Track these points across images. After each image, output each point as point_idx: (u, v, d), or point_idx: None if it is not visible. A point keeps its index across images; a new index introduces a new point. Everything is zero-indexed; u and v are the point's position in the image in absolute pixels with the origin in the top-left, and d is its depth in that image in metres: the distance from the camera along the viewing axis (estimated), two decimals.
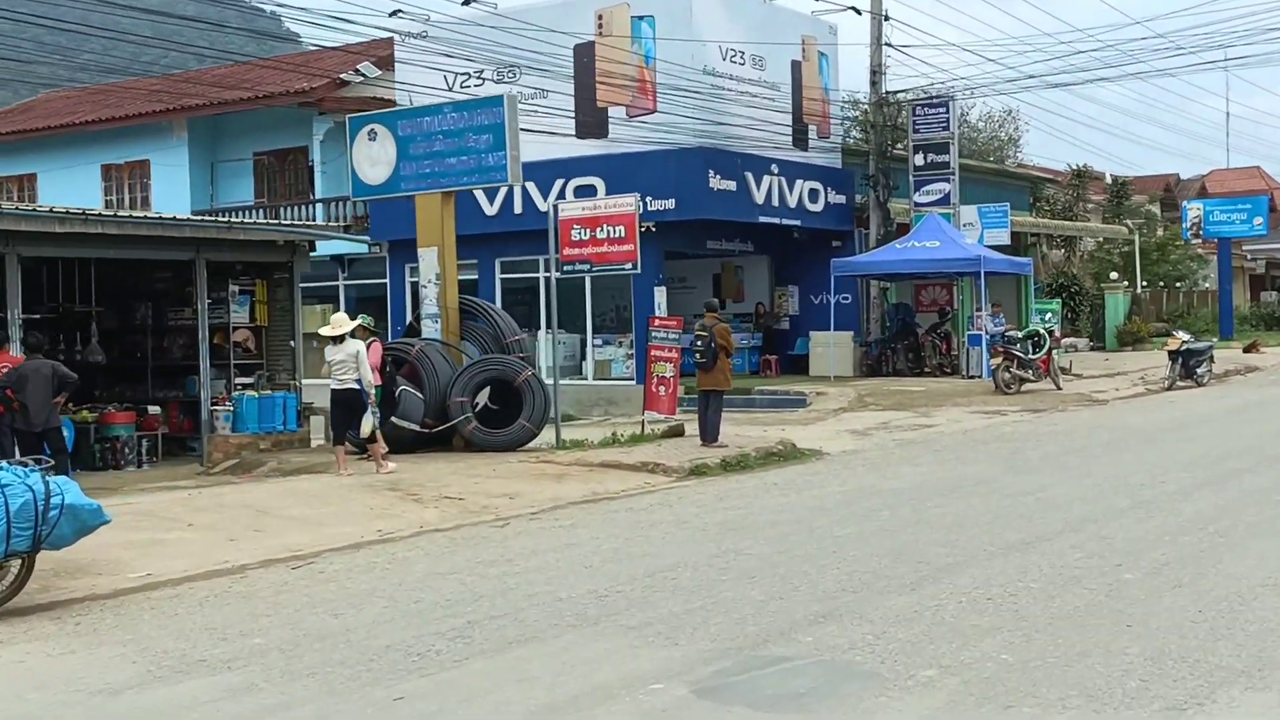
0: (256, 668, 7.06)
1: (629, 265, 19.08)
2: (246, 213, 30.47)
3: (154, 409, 18.68)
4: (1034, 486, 13.12)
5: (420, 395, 17.30)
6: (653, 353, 18.90)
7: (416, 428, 17.12)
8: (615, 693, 6.24)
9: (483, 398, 18.13)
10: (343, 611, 8.48)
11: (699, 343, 17.49)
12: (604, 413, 25.87)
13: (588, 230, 18.90)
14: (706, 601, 8.20)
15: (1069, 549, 9.63)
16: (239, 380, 18.99)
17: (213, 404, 18.21)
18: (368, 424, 15.30)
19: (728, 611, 7.90)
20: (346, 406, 15.37)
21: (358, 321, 16.53)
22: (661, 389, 18.78)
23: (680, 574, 9.17)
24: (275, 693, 6.54)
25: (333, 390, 15.46)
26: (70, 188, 31.37)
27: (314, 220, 30.23)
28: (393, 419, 16.84)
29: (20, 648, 7.90)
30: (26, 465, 9.34)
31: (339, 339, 15.41)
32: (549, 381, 18.94)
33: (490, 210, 27.80)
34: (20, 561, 9.14)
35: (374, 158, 18.44)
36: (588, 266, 19.26)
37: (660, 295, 26.76)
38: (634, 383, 26.56)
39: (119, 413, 18.12)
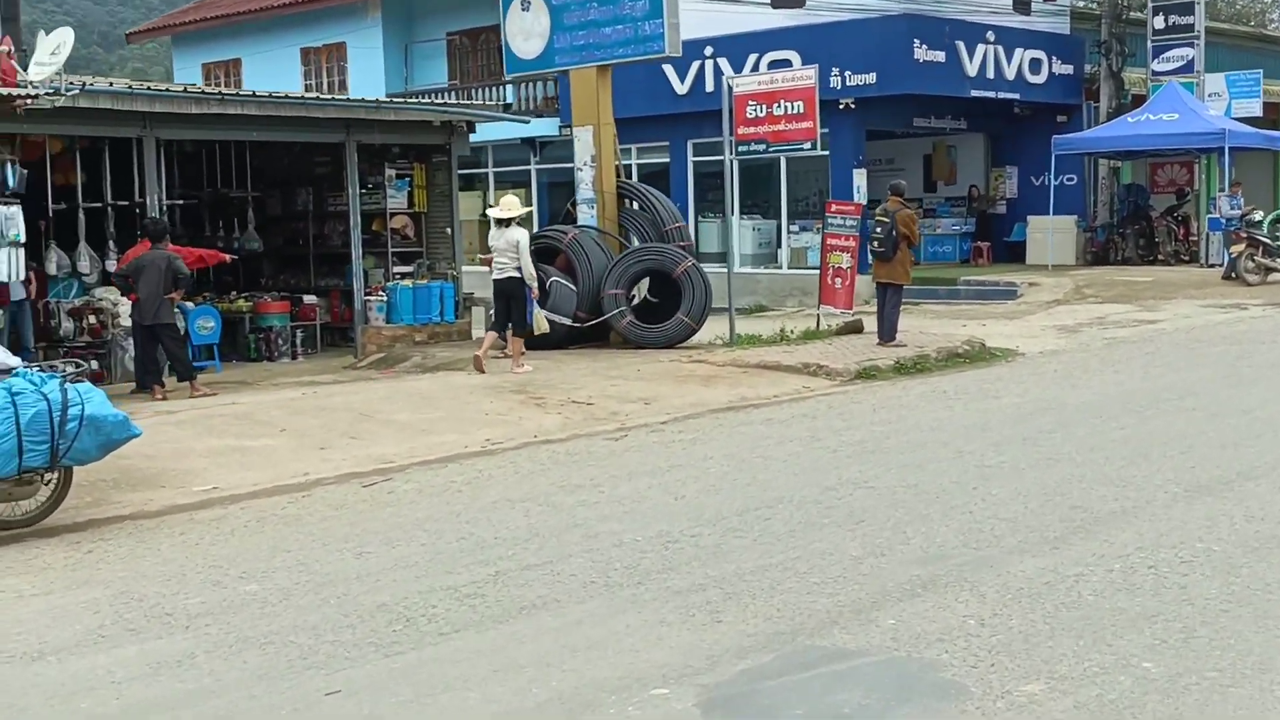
0: (217, 629, 5.82)
1: (808, 144, 17.14)
2: (439, 95, 29.57)
3: (310, 298, 17.88)
4: (1253, 403, 10.88)
5: (572, 286, 15.94)
6: (828, 241, 17.02)
7: (568, 321, 15.78)
8: (600, 699, 4.73)
9: (642, 290, 16.66)
10: (372, 549, 7.21)
11: (879, 229, 15.55)
12: (798, 303, 24.06)
13: (764, 106, 17.05)
14: (788, 556, 6.57)
15: (1276, 494, 7.59)
16: (397, 269, 18.03)
17: (367, 294, 17.29)
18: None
19: (807, 573, 6.25)
20: (506, 297, 14.22)
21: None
22: (837, 281, 16.93)
23: (776, 513, 7.54)
24: (205, 670, 5.27)
25: (494, 280, 14.31)
26: (272, 72, 30.95)
27: (505, 102, 29.10)
28: (542, 313, 15.54)
29: (2, 582, 6.91)
30: (55, 369, 8.36)
31: (505, 223, 14.22)
32: (723, 270, 17.34)
33: (681, 89, 26.02)
34: (55, 476, 8.21)
35: (527, 30, 16.93)
36: (764, 146, 17.41)
37: (860, 178, 24.64)
38: None
39: (274, 302, 17.37)
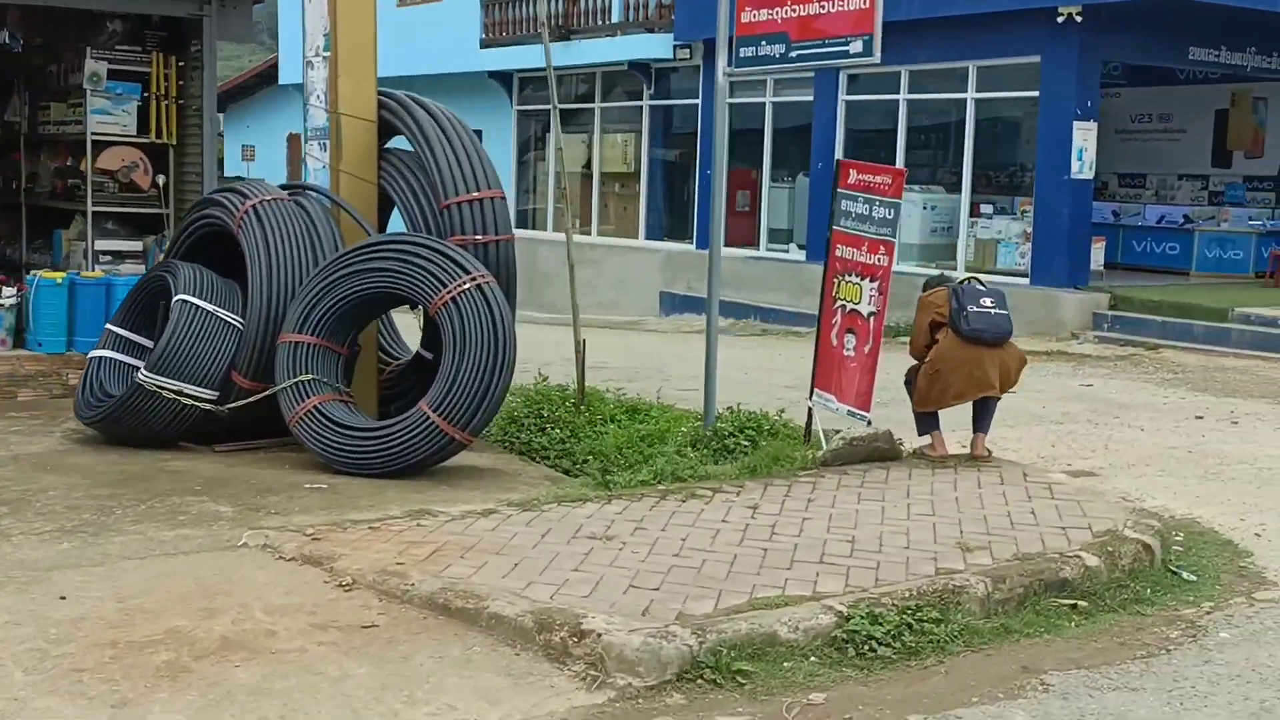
0: None
1: (857, 44, 7.37)
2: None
3: None
4: None
5: (232, 317, 6.88)
6: (836, 250, 7.20)
7: (204, 394, 6.75)
8: None
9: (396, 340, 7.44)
10: None
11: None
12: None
13: None
14: None
15: None
16: (112, 246, 9.48)
17: None
18: None
19: None
20: None
21: None
22: (848, 341, 7.10)
23: None
24: None
25: None
26: None
27: (608, 13, 19.86)
28: (140, 375, 6.63)
29: None
30: None
31: None
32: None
33: None
34: None
35: None
36: (780, 47, 7.81)
37: (1084, 136, 14.34)
38: (1027, 284, 14.47)
39: None
